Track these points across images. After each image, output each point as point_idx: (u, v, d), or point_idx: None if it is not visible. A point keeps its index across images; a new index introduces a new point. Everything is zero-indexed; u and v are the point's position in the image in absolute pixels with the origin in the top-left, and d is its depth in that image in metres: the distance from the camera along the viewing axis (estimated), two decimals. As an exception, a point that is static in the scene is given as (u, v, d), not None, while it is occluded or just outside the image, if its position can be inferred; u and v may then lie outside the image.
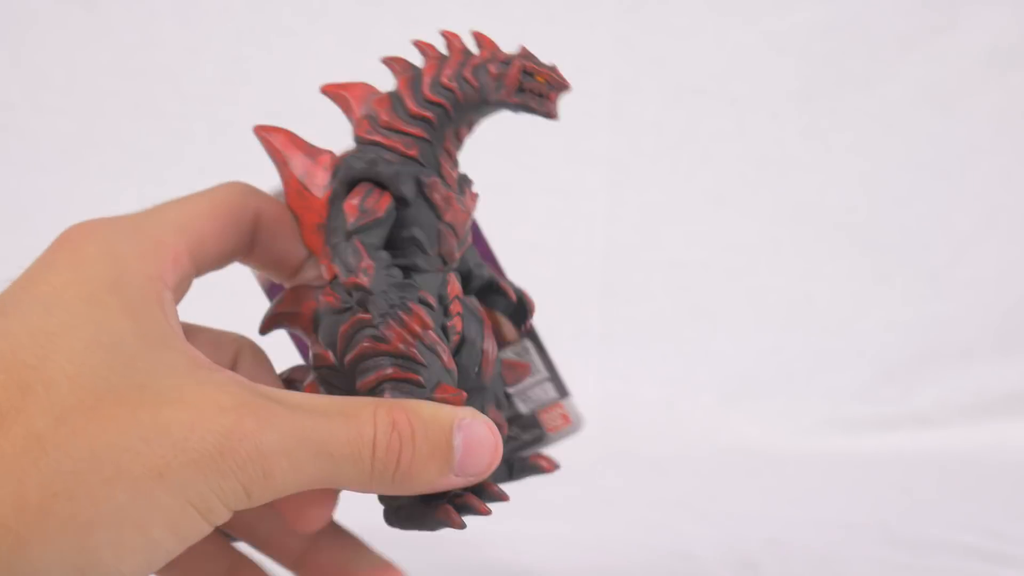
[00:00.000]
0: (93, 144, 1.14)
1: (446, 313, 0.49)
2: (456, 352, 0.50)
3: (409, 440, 0.44)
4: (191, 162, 1.16)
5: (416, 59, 0.50)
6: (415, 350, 0.46)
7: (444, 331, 0.48)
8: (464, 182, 0.50)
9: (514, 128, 1.20)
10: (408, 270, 0.48)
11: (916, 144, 1.23)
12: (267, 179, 1.28)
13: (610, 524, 0.82)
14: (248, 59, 1.17)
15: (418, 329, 0.46)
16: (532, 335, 0.57)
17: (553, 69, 0.47)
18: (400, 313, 0.46)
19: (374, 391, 0.47)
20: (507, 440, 0.55)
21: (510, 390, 0.57)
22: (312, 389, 0.51)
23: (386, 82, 0.52)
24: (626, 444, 1.08)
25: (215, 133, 1.16)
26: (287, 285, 0.55)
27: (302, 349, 0.57)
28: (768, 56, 1.22)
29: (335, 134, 1.27)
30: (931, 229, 1.21)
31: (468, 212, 0.49)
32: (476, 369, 0.51)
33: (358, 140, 0.49)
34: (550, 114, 0.47)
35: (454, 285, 0.49)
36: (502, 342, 0.56)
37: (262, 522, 0.53)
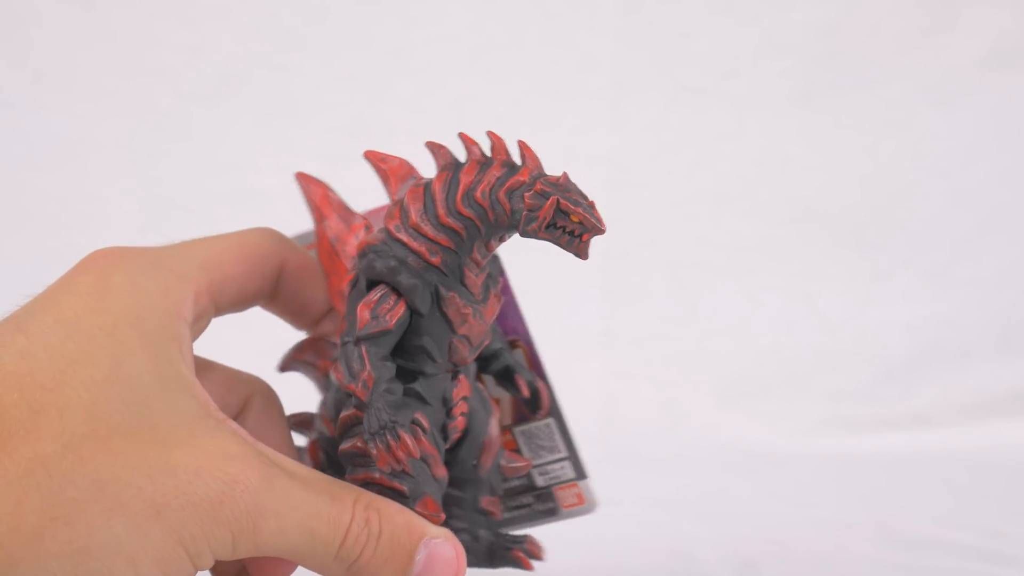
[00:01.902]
0: (93, 144, 1.14)
1: (449, 414, 0.50)
2: (457, 444, 0.51)
3: (375, 538, 0.45)
4: (191, 162, 1.16)
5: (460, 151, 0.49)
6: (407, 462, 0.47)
7: (444, 430, 0.50)
8: (490, 284, 0.50)
9: (514, 129, 1.20)
10: (415, 374, 0.49)
11: (916, 144, 1.23)
12: (264, 178, 1.27)
13: (610, 524, 0.82)
14: (248, 59, 1.17)
15: (402, 456, 0.46)
16: (556, 414, 0.58)
17: (590, 208, 0.46)
18: (388, 438, 0.46)
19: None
20: (519, 508, 0.58)
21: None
22: (313, 449, 0.53)
23: (422, 158, 0.51)
24: (626, 444, 1.09)
25: (215, 133, 1.16)
26: (307, 333, 0.56)
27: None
28: (768, 56, 1.22)
29: (333, 134, 1.27)
30: (931, 229, 1.21)
31: (486, 323, 0.49)
32: (474, 461, 0.52)
33: (387, 232, 0.48)
34: (579, 254, 0.46)
35: (463, 387, 0.50)
36: (527, 417, 0.57)
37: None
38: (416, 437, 0.47)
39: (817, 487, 0.99)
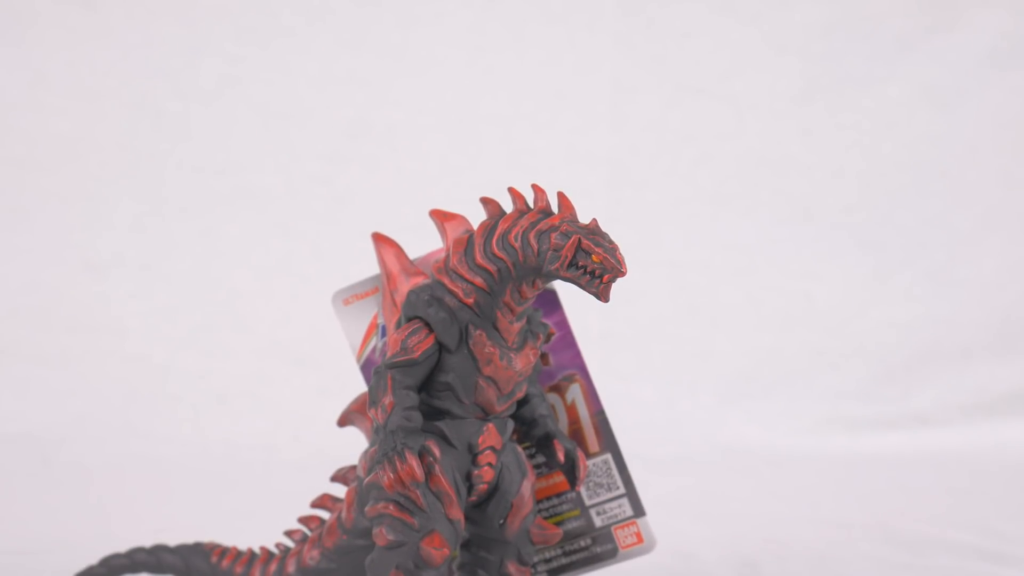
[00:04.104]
0: (93, 144, 1.14)
1: (474, 461, 0.51)
2: (485, 500, 0.53)
3: None
4: (191, 162, 1.16)
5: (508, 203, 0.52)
6: (418, 493, 0.49)
7: (469, 478, 0.51)
8: (528, 336, 0.52)
9: (514, 128, 1.21)
10: (442, 413, 0.50)
11: (916, 144, 1.23)
12: (264, 178, 1.28)
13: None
14: (248, 59, 1.17)
15: (405, 479, 0.49)
16: (614, 448, 0.58)
17: (613, 250, 0.48)
18: (395, 459, 0.49)
19: (374, 520, 0.51)
20: (576, 552, 0.58)
21: (586, 502, 0.58)
22: (350, 495, 0.54)
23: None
24: (626, 444, 1.08)
25: (215, 133, 1.16)
26: None
27: None
28: (768, 56, 1.22)
29: (333, 134, 1.27)
30: (931, 229, 1.21)
31: (516, 372, 0.51)
32: (501, 521, 0.53)
33: (432, 275, 0.51)
34: (599, 296, 0.48)
35: (490, 435, 0.51)
36: (586, 452, 0.58)
37: None
38: (423, 462, 0.49)
39: (817, 487, 0.99)
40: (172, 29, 1.16)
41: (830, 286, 1.20)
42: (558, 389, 0.58)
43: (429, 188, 1.16)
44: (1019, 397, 1.14)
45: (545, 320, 0.56)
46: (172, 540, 0.61)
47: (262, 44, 1.17)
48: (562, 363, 0.58)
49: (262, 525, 0.64)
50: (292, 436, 1.05)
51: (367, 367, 0.57)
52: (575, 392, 0.58)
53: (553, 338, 0.57)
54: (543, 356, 0.57)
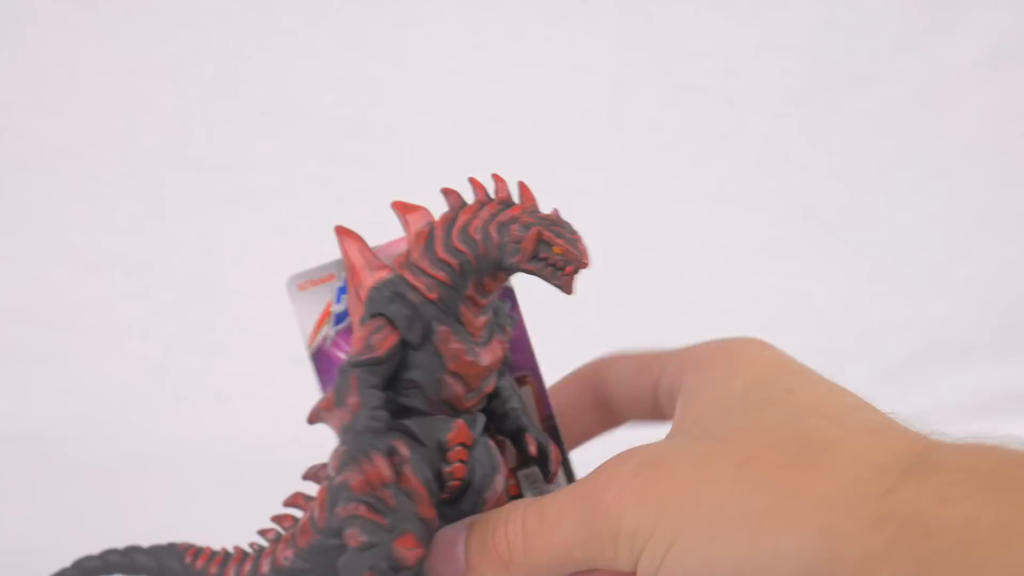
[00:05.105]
0: (93, 144, 1.14)
1: (444, 459, 0.49)
2: (459, 497, 0.51)
3: None
4: (191, 162, 1.16)
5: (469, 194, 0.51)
6: (388, 493, 0.47)
7: (440, 475, 0.49)
8: (495, 330, 0.50)
9: (513, 129, 1.21)
10: (409, 411, 0.49)
11: (916, 144, 1.23)
12: (264, 178, 1.27)
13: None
14: (248, 59, 1.17)
15: (374, 481, 0.47)
16: (566, 464, 0.58)
17: (575, 241, 0.46)
18: (362, 461, 0.47)
19: (345, 521, 0.49)
20: None
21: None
22: (322, 494, 0.53)
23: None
24: (626, 444, 1.08)
25: (214, 133, 1.16)
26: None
27: None
28: (768, 55, 1.22)
29: (333, 134, 1.27)
30: (930, 229, 1.21)
31: (483, 366, 0.49)
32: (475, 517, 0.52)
33: (394, 270, 0.50)
34: (563, 288, 0.46)
35: (460, 432, 0.50)
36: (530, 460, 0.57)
37: None
38: (392, 462, 0.48)
39: (817, 487, 0.98)
40: (172, 29, 1.16)
41: (830, 286, 1.20)
42: None
43: (429, 188, 1.16)
44: (1019, 397, 1.14)
45: None
46: (172, 539, 0.61)
47: (262, 44, 1.17)
48: (515, 363, 0.56)
49: (262, 524, 0.64)
50: (292, 436, 1.05)
51: (318, 355, 0.56)
52: (526, 395, 0.56)
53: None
54: None
